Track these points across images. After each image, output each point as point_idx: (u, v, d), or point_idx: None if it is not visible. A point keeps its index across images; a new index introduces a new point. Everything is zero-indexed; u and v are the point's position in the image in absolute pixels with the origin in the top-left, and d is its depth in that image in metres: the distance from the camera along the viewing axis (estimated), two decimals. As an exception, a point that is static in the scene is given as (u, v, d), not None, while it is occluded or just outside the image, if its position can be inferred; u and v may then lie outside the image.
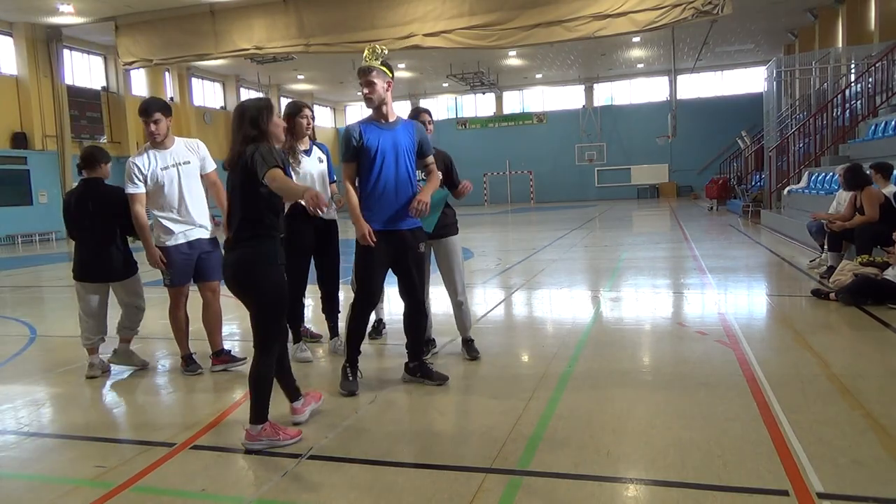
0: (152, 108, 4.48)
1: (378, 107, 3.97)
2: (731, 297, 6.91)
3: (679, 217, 19.90)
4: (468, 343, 4.80)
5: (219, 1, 18.82)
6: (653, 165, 37.23)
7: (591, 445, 3.12)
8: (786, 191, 14.64)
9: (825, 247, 7.81)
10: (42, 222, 22.53)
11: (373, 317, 5.32)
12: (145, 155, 4.52)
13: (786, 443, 3.02)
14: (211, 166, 4.77)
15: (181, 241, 4.54)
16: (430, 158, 4.15)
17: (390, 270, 4.14)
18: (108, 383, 4.66)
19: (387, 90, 3.95)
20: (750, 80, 33.82)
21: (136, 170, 4.46)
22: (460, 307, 4.75)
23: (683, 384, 4.01)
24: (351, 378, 4.13)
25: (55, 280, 11.56)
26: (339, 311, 5.09)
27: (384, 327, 5.53)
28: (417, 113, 4.74)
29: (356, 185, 4.05)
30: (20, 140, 22.42)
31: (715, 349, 4.75)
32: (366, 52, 3.91)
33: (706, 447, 3.02)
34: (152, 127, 4.46)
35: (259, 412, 3.25)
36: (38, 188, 22.87)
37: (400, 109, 4.64)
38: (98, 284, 4.73)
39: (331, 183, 5.05)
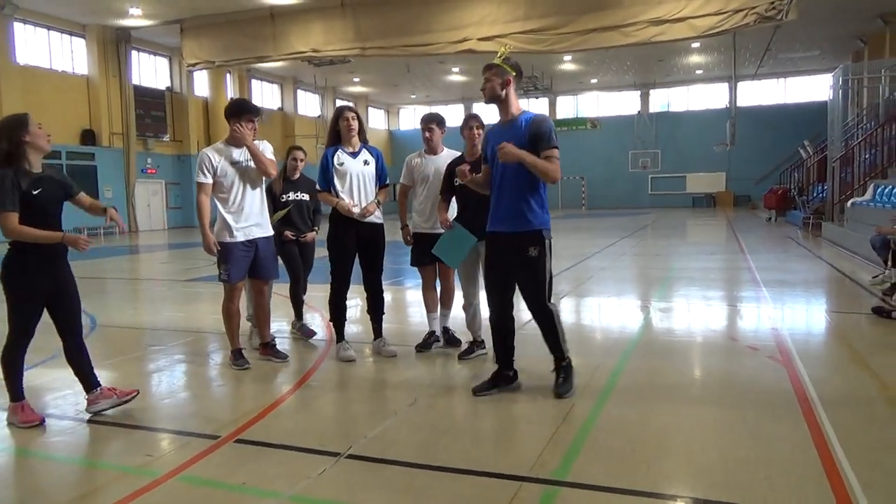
0: (258, 109, 4.79)
1: (493, 103, 4.01)
2: (787, 311, 6.68)
3: (735, 227, 19.36)
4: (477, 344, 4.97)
5: (279, 5, 19.27)
6: (709, 173, 36.32)
7: (632, 458, 3.06)
8: (849, 203, 14.07)
9: (889, 263, 7.47)
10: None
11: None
12: (219, 149, 4.74)
13: (837, 467, 2.90)
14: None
15: (240, 238, 4.69)
16: (549, 152, 3.80)
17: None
18: (161, 375, 4.83)
19: (503, 88, 3.94)
20: (814, 87, 32.66)
21: (206, 161, 4.67)
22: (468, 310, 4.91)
23: (731, 400, 3.90)
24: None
25: (117, 272, 12.03)
26: (384, 313, 5.13)
27: (437, 341, 5.27)
28: (467, 120, 4.79)
29: (488, 188, 4.08)
30: (89, 137, 23.45)
31: (766, 366, 4.60)
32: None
33: (752, 467, 2.93)
34: (257, 125, 4.71)
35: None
36: (104, 183, 23.85)
37: (454, 113, 4.71)
38: None
39: (382, 186, 5.03)
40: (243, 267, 4.76)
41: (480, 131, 4.76)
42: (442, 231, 4.71)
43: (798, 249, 12.82)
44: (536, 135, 3.83)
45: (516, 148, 3.75)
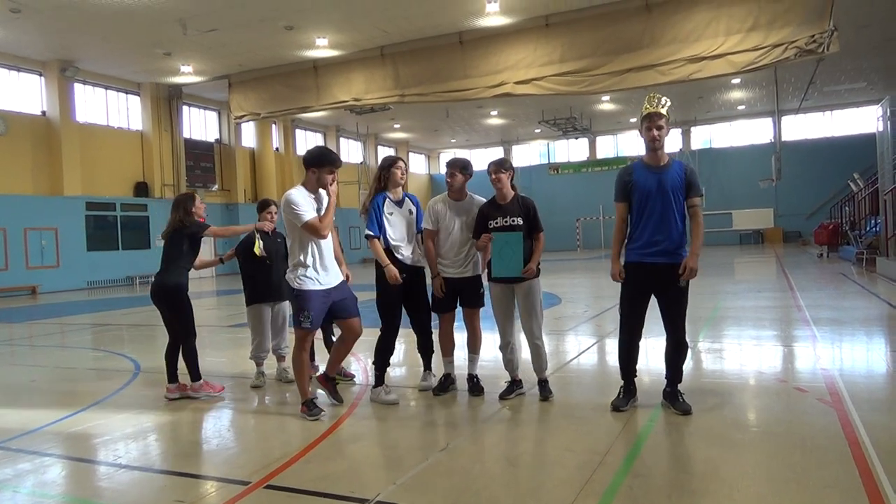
0: (340, 161, 4.82)
1: (659, 149, 4.35)
2: (838, 351, 6.40)
3: (784, 264, 18.79)
4: (543, 383, 4.89)
5: (321, 57, 19.96)
6: (756, 210, 35.57)
7: (668, 507, 2.94)
8: (905, 237, 13.55)
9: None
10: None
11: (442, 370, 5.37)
12: (305, 194, 4.64)
13: (890, 517, 2.73)
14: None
15: (322, 287, 4.63)
16: (696, 200, 4.45)
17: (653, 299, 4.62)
18: (198, 419, 4.88)
19: (666, 135, 4.36)
20: (863, 119, 31.91)
21: (302, 199, 4.57)
22: (537, 349, 4.84)
23: (776, 444, 3.73)
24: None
25: (164, 319, 12.31)
26: (434, 350, 5.24)
27: (452, 383, 5.25)
28: (489, 166, 4.95)
29: (627, 223, 4.50)
30: (142, 189, 24.44)
31: (815, 408, 4.40)
32: (648, 101, 4.34)
33: (796, 516, 2.78)
34: (336, 182, 4.70)
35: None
36: (156, 233, 24.69)
37: (494, 156, 4.99)
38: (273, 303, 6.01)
39: (416, 233, 5.13)
40: (322, 312, 4.68)
41: (500, 176, 4.83)
42: (465, 275, 5.02)
43: (851, 286, 12.35)
44: (692, 183, 4.38)
45: (696, 263, 4.35)
